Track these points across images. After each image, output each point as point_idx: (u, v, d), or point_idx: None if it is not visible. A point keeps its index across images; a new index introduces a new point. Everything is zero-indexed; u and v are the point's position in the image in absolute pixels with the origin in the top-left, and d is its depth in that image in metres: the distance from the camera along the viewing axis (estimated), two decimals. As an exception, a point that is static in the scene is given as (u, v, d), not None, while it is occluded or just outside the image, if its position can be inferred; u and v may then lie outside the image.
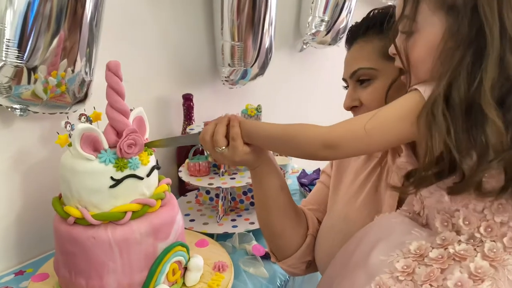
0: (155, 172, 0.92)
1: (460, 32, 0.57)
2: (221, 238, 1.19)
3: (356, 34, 0.81)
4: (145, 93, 1.37)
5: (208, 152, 0.80)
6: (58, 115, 1.04)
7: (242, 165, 0.75)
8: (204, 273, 0.98)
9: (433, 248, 0.60)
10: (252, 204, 1.32)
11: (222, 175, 1.24)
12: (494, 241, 0.58)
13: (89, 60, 1.02)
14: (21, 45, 0.89)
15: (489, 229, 0.58)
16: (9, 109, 0.95)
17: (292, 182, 1.60)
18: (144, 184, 0.87)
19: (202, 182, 1.21)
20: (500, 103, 0.54)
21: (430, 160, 0.56)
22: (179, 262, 0.92)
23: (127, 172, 0.84)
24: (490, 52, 0.55)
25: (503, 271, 0.56)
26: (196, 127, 1.32)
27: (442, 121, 0.55)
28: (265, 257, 1.11)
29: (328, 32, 1.93)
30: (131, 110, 0.92)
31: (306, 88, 2.04)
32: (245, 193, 1.31)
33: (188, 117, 1.43)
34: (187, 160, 1.26)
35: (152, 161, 0.89)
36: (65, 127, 0.87)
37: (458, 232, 0.60)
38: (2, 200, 1.07)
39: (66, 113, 1.05)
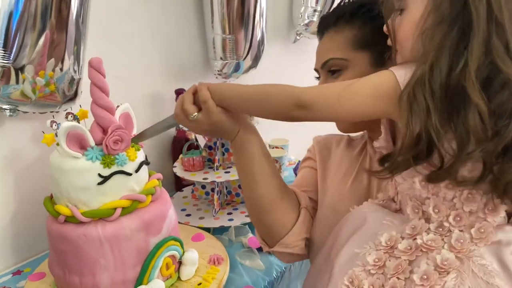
0: (145, 167, 0.91)
1: (442, 9, 0.56)
2: (218, 231, 1.19)
3: (327, 24, 0.80)
4: (138, 89, 1.36)
5: (184, 127, 0.77)
6: (49, 114, 1.04)
7: (220, 129, 0.72)
8: (199, 267, 0.98)
9: (403, 238, 0.61)
10: (248, 196, 1.32)
11: (217, 169, 1.23)
12: (462, 231, 0.58)
13: (77, 58, 1.02)
14: (6, 45, 0.89)
15: (458, 218, 0.58)
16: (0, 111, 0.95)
17: (288, 174, 1.59)
18: (133, 180, 0.87)
19: (197, 177, 1.21)
20: (485, 89, 0.53)
21: (408, 142, 0.55)
22: (172, 257, 0.92)
23: (114, 168, 0.84)
24: (476, 33, 0.53)
25: (468, 263, 0.56)
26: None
27: (423, 102, 0.54)
28: (261, 249, 1.10)
29: (321, 22, 1.91)
30: (117, 106, 0.92)
31: (301, 78, 2.01)
32: (240, 187, 1.31)
33: (182, 112, 1.42)
34: (181, 155, 1.26)
35: (140, 156, 0.89)
36: (51, 126, 0.87)
37: (428, 220, 0.61)
38: (-3, 201, 1.07)
39: (57, 112, 1.05)
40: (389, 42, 0.65)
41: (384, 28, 0.65)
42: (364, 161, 0.82)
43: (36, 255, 1.13)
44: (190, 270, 0.95)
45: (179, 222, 1.17)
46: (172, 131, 1.44)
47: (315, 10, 1.89)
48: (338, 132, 0.88)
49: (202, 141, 1.35)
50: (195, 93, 0.71)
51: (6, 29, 0.88)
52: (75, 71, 1.02)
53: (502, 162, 0.54)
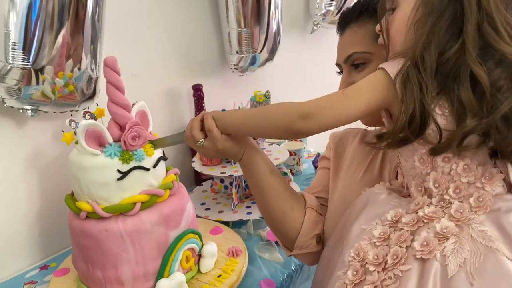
0: (162, 163, 0.93)
1: (434, 2, 0.60)
2: (236, 225, 1.20)
3: (349, 19, 0.81)
4: (155, 86, 1.38)
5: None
6: (69, 113, 1.07)
7: (226, 154, 0.77)
8: (218, 259, 1.00)
9: (407, 214, 0.64)
10: (266, 189, 1.32)
11: (234, 163, 1.24)
12: (462, 201, 0.60)
13: (94, 56, 1.04)
14: (25, 47, 0.91)
15: (458, 190, 0.61)
16: (21, 110, 0.98)
17: (308, 167, 1.59)
18: (151, 175, 0.89)
19: (215, 171, 1.22)
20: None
21: (403, 119, 0.59)
22: (192, 249, 0.94)
23: (133, 164, 0.86)
24: (469, 18, 0.58)
25: (468, 230, 0.58)
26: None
27: (416, 80, 0.58)
28: (280, 241, 1.11)
29: (338, 12, 1.89)
30: (133, 104, 0.94)
31: (319, 69, 2.01)
32: (259, 179, 1.31)
33: (199, 107, 1.44)
34: (198, 150, 1.27)
35: (157, 152, 0.90)
36: (70, 124, 0.89)
37: (430, 196, 0.63)
38: (23, 199, 1.11)
39: (77, 110, 1.08)
40: (380, 40, 0.69)
41: (377, 27, 0.69)
42: (377, 153, 0.82)
43: (61, 250, 1.17)
44: (210, 262, 0.96)
45: (198, 216, 1.19)
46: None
47: (332, 0, 1.87)
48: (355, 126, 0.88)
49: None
50: (202, 119, 0.76)
51: (25, 31, 0.91)
52: (92, 70, 1.04)
53: (505, 130, 0.57)
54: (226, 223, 1.19)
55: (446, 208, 0.61)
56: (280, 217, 0.83)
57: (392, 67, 0.62)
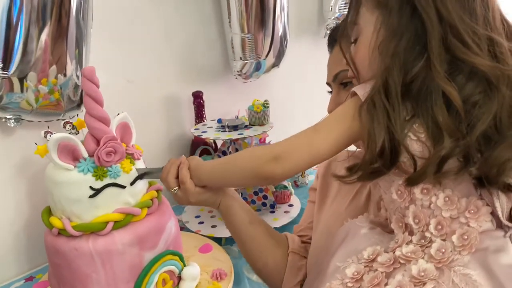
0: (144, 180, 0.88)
1: (391, 22, 0.56)
2: (229, 241, 1.15)
3: (336, 36, 0.79)
4: (153, 93, 1.35)
5: None
6: (56, 122, 1.04)
7: (201, 205, 0.76)
8: (201, 282, 0.94)
9: (385, 252, 0.58)
10: (264, 204, 1.26)
11: (230, 175, 1.18)
12: (444, 240, 0.55)
13: (79, 62, 1.01)
14: (5, 54, 0.89)
15: (440, 227, 0.55)
16: (3, 120, 0.96)
17: (313, 178, 1.52)
18: (127, 192, 0.84)
19: (207, 183, 1.17)
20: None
21: (373, 149, 0.53)
22: (171, 272, 0.88)
23: (107, 180, 0.81)
24: (432, 33, 0.54)
25: (449, 273, 0.52)
26: (205, 127, 1.28)
27: (382, 107, 0.54)
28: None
29: (353, 15, 1.80)
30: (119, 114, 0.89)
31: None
32: (256, 193, 1.26)
33: (199, 115, 1.39)
34: (192, 161, 1.22)
35: (135, 169, 0.85)
36: (45, 136, 0.85)
37: (411, 233, 0.57)
38: (10, 207, 1.09)
39: (63, 119, 1.04)
40: (350, 73, 0.66)
41: (344, 61, 0.66)
42: (364, 184, 0.76)
43: (48, 261, 1.15)
44: (190, 286, 0.91)
45: (189, 231, 1.14)
46: (190, 134, 1.41)
47: (346, 3, 1.79)
48: None
49: (220, 145, 1.31)
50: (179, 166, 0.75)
51: (5, 36, 0.87)
52: (77, 77, 1.01)
53: (486, 149, 0.51)
54: (219, 239, 1.14)
55: (426, 247, 0.55)
56: (262, 267, 0.81)
57: (363, 89, 0.57)
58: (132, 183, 0.85)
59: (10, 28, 0.87)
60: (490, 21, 0.54)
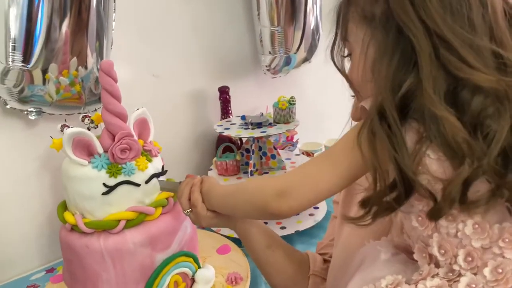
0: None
1: (381, 39, 0.51)
2: (249, 242, 1.11)
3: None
4: (178, 87, 1.32)
5: None
6: (76, 115, 1.03)
7: (215, 227, 0.74)
8: (215, 285, 0.91)
9: (406, 284, 0.51)
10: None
11: (252, 174, 1.15)
12: (475, 273, 0.47)
13: (99, 55, 0.99)
14: (26, 46, 0.88)
15: (469, 258, 0.47)
16: (25, 112, 0.96)
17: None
18: (142, 191, 0.82)
19: (229, 182, 1.14)
20: (452, 103, 0.47)
21: (382, 184, 0.48)
22: (184, 274, 0.86)
23: (121, 178, 0.79)
24: (420, 51, 0.48)
25: None
26: (228, 124, 1.25)
27: (382, 135, 0.47)
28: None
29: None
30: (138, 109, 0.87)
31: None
32: (279, 194, 1.21)
33: (225, 111, 1.35)
34: (214, 159, 1.19)
35: (151, 168, 0.83)
36: (61, 130, 0.84)
37: (438, 265, 0.50)
38: (34, 199, 1.10)
39: (85, 112, 1.04)
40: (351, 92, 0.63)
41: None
42: None
43: (69, 254, 1.15)
44: (203, 289, 0.88)
45: (211, 230, 1.11)
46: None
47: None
48: None
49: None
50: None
51: (27, 28, 0.87)
52: (98, 70, 0.99)
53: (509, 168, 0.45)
54: (239, 241, 1.10)
55: (454, 281, 0.48)
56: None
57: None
58: (147, 182, 0.82)
59: (31, 20, 0.86)
60: (491, 28, 0.48)
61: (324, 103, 1.62)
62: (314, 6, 1.38)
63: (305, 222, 1.15)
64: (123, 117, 0.83)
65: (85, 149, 0.80)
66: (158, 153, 0.88)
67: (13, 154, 1.03)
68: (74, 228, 0.81)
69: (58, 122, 1.06)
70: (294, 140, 1.48)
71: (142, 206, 0.81)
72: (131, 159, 0.81)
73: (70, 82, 0.95)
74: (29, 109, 0.95)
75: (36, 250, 1.12)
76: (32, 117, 0.96)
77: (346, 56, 0.60)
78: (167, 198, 0.85)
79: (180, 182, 0.79)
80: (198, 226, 0.88)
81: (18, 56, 0.87)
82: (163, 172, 0.87)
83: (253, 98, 1.47)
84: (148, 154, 0.84)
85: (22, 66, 0.88)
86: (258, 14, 1.34)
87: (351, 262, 0.61)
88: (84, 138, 0.79)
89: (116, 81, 0.82)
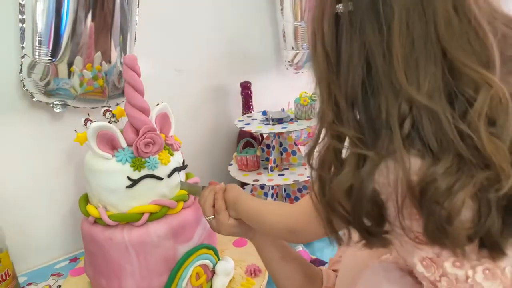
0: (181, 172, 0.87)
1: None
2: (269, 237, 1.11)
3: None
4: (200, 82, 1.32)
5: None
6: (98, 109, 1.04)
7: (232, 236, 0.76)
8: (235, 277, 0.92)
9: None
10: (308, 201, 1.21)
11: (271, 170, 1.15)
12: None
13: (123, 49, 1.00)
14: (53, 41, 0.89)
15: None
16: (51, 105, 0.98)
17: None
18: (165, 184, 0.83)
19: (248, 178, 1.14)
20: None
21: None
22: (205, 266, 0.87)
23: (144, 172, 0.80)
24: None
25: None
26: (249, 119, 1.24)
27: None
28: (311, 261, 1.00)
29: None
30: (157, 104, 0.88)
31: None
32: (300, 190, 1.21)
33: (247, 106, 1.35)
34: (234, 154, 1.20)
35: (173, 162, 0.84)
36: (85, 124, 0.85)
37: None
38: (60, 190, 1.12)
39: (109, 106, 1.05)
40: None
41: None
42: None
43: (92, 244, 1.17)
44: (223, 281, 0.89)
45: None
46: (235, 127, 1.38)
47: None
48: None
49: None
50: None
51: (55, 22, 0.88)
52: (121, 64, 1.00)
53: None
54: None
55: None
56: None
57: None
58: (169, 176, 0.83)
59: (58, 15, 0.87)
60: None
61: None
62: (338, 1, 1.36)
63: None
64: (146, 112, 0.84)
65: (109, 143, 0.81)
66: (179, 147, 0.89)
67: (39, 146, 1.05)
68: (97, 221, 0.82)
69: (82, 116, 1.08)
70: (315, 136, 1.47)
71: (165, 200, 0.82)
72: (154, 153, 0.82)
73: (93, 76, 0.97)
74: (55, 102, 0.97)
75: (60, 240, 1.14)
76: (57, 110, 0.97)
77: None
78: (188, 193, 0.86)
79: (203, 187, 0.80)
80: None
81: (45, 50, 0.89)
82: (184, 166, 0.88)
83: (275, 94, 1.46)
84: (170, 148, 0.85)
85: (49, 60, 0.89)
86: (282, 9, 1.33)
87: (356, 284, 0.58)
88: (108, 132, 0.80)
89: (139, 75, 0.83)
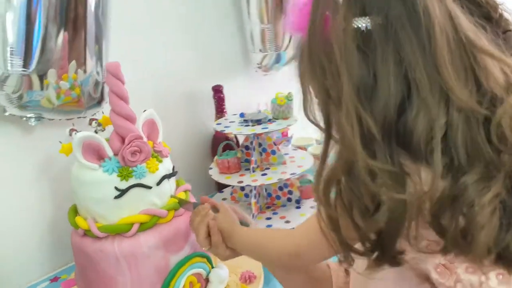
0: (171, 179, 0.86)
1: None
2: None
3: None
4: (172, 88, 1.31)
5: None
6: (82, 119, 1.01)
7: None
8: (229, 284, 0.92)
9: None
10: (289, 200, 1.23)
11: (253, 171, 1.15)
12: None
13: (99, 58, 0.97)
14: (26, 51, 0.86)
15: None
16: (24, 119, 0.93)
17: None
18: (154, 193, 0.81)
19: (232, 180, 1.14)
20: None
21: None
22: (198, 274, 0.86)
23: (132, 181, 0.79)
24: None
25: None
26: (226, 122, 1.25)
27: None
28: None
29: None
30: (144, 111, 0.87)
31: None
32: (281, 189, 1.22)
33: (220, 109, 1.35)
34: (215, 157, 1.19)
35: (162, 169, 0.83)
36: (70, 134, 0.83)
37: None
38: (34, 207, 1.07)
39: (84, 117, 1.02)
40: None
41: None
42: None
43: (73, 262, 1.13)
44: (218, 288, 0.88)
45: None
46: (211, 130, 1.37)
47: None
48: None
49: (241, 140, 1.28)
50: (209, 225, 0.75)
51: (25, 33, 0.84)
52: (98, 73, 0.98)
53: None
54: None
55: None
56: None
57: None
58: (158, 184, 0.82)
59: (30, 23, 0.84)
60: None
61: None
62: (304, 1, 1.39)
63: (308, 215, 1.17)
64: (131, 119, 0.82)
65: (95, 153, 0.79)
66: (168, 153, 0.87)
67: (11, 161, 1.01)
68: (86, 233, 0.80)
69: (58, 127, 1.04)
70: (289, 136, 1.49)
71: (155, 209, 0.81)
72: (142, 162, 0.80)
73: (71, 85, 0.94)
74: (28, 115, 0.93)
75: (37, 260, 1.09)
76: (32, 123, 0.93)
77: None
78: (178, 202, 0.85)
79: (194, 203, 0.81)
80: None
81: (18, 61, 0.85)
82: (173, 173, 0.87)
83: (246, 96, 1.47)
84: (158, 155, 0.84)
85: (23, 70, 0.85)
86: (248, 12, 1.34)
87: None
88: (94, 141, 0.78)
89: (123, 83, 0.82)
